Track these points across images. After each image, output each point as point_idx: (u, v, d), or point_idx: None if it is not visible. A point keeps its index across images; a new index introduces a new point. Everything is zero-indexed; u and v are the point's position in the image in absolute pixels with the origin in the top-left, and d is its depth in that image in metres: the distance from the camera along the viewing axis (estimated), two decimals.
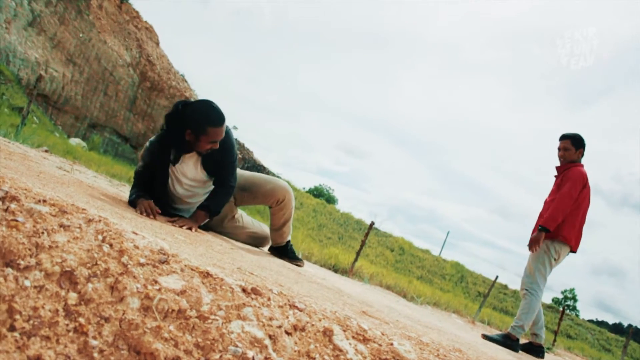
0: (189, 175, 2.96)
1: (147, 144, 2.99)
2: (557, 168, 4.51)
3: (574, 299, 43.38)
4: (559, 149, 4.45)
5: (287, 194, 3.25)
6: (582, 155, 4.45)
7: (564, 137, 4.46)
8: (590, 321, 34.85)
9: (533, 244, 4.32)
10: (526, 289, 4.34)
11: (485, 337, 4.47)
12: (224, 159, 2.95)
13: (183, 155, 2.88)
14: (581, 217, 4.41)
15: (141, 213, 2.52)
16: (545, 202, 4.50)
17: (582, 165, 4.44)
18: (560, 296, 43.99)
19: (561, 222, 4.29)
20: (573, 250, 4.42)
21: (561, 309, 21.94)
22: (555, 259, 4.36)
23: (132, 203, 2.73)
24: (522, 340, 4.86)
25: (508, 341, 4.29)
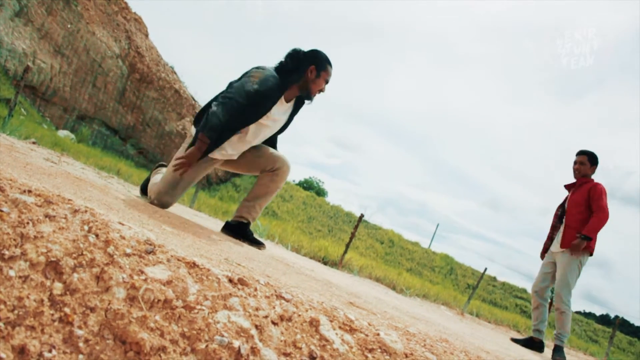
0: (277, 119, 3.06)
1: (265, 72, 2.93)
2: (576, 181, 4.78)
3: None
4: (576, 162, 4.76)
5: (288, 169, 3.18)
6: (594, 172, 4.74)
7: (582, 153, 4.78)
8: (578, 313, 35.19)
9: (576, 249, 4.53)
10: (565, 304, 4.61)
11: (515, 340, 4.95)
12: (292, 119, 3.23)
13: (281, 98, 3.00)
14: None
15: (181, 164, 2.77)
16: (569, 212, 4.74)
17: (598, 183, 4.69)
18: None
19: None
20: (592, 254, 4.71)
21: (549, 300, 22.13)
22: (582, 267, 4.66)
23: (198, 143, 2.79)
24: (522, 336, 5.10)
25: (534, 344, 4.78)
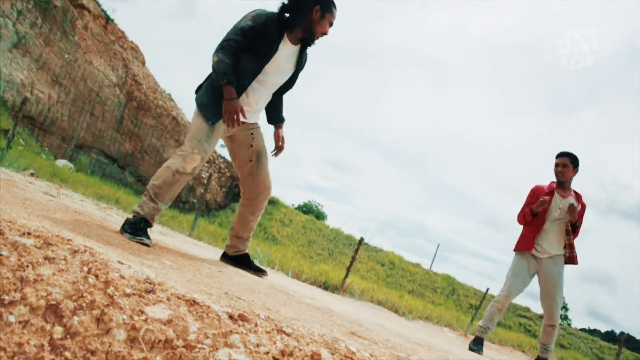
0: (283, 66, 3.00)
1: (258, 10, 2.93)
2: (562, 185, 4.60)
3: (565, 307, 43.46)
4: (558, 164, 4.56)
5: (269, 195, 3.25)
6: (576, 174, 4.62)
7: (563, 155, 4.56)
8: (583, 330, 34.87)
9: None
10: (559, 318, 4.57)
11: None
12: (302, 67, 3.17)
13: (284, 40, 2.95)
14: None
15: (229, 119, 2.73)
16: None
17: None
18: None
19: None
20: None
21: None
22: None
23: (225, 92, 2.76)
24: (528, 357, 5.05)
25: None
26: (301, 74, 3.25)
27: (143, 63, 21.33)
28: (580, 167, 4.60)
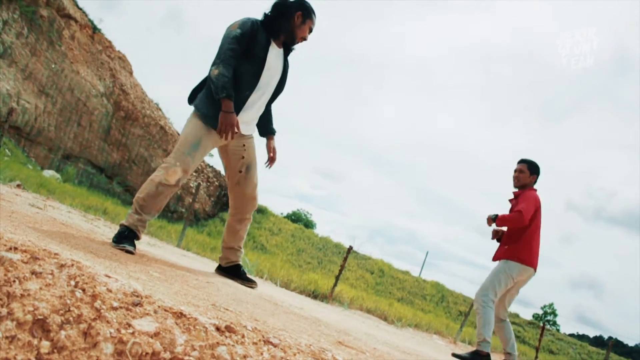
0: (275, 68, 3.12)
1: (242, 18, 3.06)
2: (514, 193, 4.68)
3: (554, 313, 43.65)
4: (515, 170, 4.66)
5: (255, 205, 3.34)
6: (535, 181, 4.65)
7: (521, 161, 4.69)
8: (571, 335, 35.04)
9: (488, 220, 4.59)
10: (480, 304, 4.43)
11: (456, 355, 4.51)
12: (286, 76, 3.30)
13: (271, 44, 3.10)
14: (537, 239, 4.59)
15: (224, 132, 2.84)
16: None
17: (535, 190, 4.64)
18: (540, 312, 44.22)
19: (519, 244, 4.48)
20: (535, 269, 4.53)
21: (541, 324, 22.07)
22: (512, 279, 4.47)
23: (224, 105, 2.84)
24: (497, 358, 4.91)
25: (478, 357, 4.34)
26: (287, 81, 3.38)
27: (130, 73, 21.28)
28: (540, 174, 4.63)
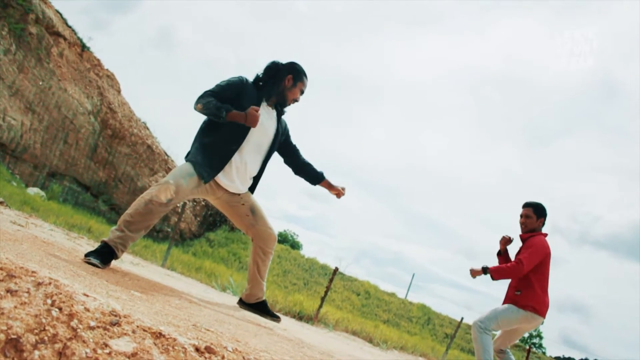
0: (264, 123, 3.14)
1: (233, 76, 3.14)
2: (521, 237, 4.40)
3: (540, 336, 43.58)
4: (521, 216, 4.40)
5: (276, 240, 3.45)
6: (543, 224, 4.41)
7: (527, 205, 4.41)
8: (557, 358, 35.04)
9: (473, 272, 4.27)
10: (477, 330, 4.16)
11: None
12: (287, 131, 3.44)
13: (262, 103, 3.18)
14: (546, 285, 4.30)
15: (251, 122, 2.89)
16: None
17: (545, 235, 4.38)
18: (526, 334, 44.19)
19: (528, 292, 4.19)
20: (543, 317, 4.24)
21: (527, 347, 22.01)
22: (518, 323, 4.19)
23: (235, 116, 2.90)
24: None
25: None
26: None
27: (119, 91, 21.23)
28: (547, 215, 4.38)
